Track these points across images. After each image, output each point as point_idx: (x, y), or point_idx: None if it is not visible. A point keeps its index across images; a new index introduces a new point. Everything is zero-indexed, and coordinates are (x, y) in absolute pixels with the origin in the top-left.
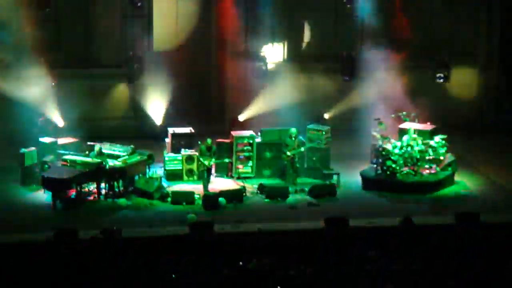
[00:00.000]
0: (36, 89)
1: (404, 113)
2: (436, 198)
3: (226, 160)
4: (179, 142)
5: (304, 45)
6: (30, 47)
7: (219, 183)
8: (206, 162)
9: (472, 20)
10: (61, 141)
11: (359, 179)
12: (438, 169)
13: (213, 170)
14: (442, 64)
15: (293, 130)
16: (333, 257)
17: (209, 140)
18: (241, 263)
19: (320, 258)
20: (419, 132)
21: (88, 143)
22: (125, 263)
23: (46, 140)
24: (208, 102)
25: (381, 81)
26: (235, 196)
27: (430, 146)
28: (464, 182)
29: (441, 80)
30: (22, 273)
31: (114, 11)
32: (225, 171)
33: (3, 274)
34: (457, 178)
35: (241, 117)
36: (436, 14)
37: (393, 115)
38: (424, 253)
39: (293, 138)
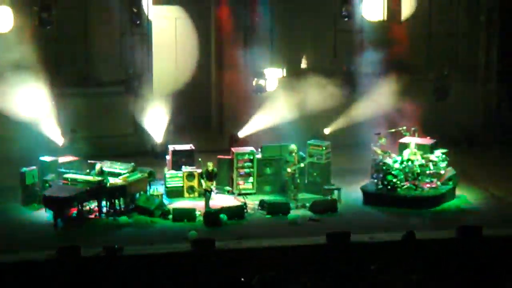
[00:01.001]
0: (36, 107)
1: (404, 127)
2: (437, 212)
3: (226, 188)
4: (180, 159)
5: (303, 60)
6: (31, 65)
7: (220, 200)
8: (206, 185)
9: (471, 34)
10: (62, 159)
11: (360, 194)
12: (439, 183)
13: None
14: (441, 81)
15: (293, 146)
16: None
17: (210, 164)
18: (243, 279)
19: (322, 272)
20: (419, 147)
21: (89, 161)
22: (127, 280)
23: (47, 158)
24: (208, 119)
25: (380, 96)
26: (236, 212)
27: (431, 160)
28: (465, 196)
29: (440, 97)
30: None
31: (114, 29)
32: (226, 185)
33: None
34: (458, 192)
35: (241, 134)
36: (435, 29)
37: (393, 130)
38: (425, 267)
39: (293, 154)
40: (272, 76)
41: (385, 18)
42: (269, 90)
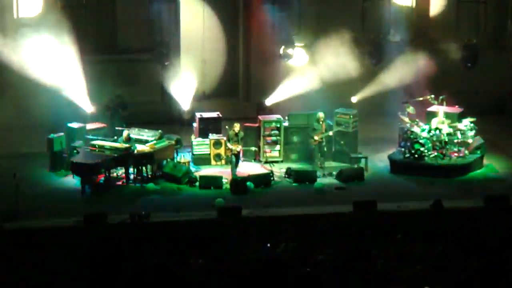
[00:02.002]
0: (64, 74)
1: (432, 96)
2: (465, 181)
3: (252, 148)
4: (207, 126)
5: (331, 28)
6: (59, 32)
7: (246, 168)
8: (233, 148)
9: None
10: (90, 126)
11: (387, 162)
12: (466, 152)
13: (241, 155)
14: (469, 49)
15: (320, 114)
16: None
17: (237, 126)
18: (268, 245)
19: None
20: (447, 115)
21: (116, 128)
22: (154, 247)
23: (74, 125)
24: (235, 86)
25: (408, 64)
26: (263, 180)
27: (459, 129)
28: (493, 165)
29: (469, 65)
30: (53, 258)
31: None
32: (253, 155)
33: (35, 258)
34: (486, 161)
35: (268, 102)
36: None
37: (420, 98)
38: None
39: (321, 122)
40: (300, 43)
41: None
42: (297, 58)
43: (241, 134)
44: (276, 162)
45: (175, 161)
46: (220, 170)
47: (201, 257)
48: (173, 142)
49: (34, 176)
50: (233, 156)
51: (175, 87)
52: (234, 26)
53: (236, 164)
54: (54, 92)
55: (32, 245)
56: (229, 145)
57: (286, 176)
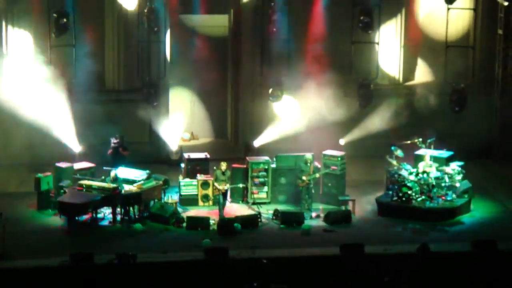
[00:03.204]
0: (53, 114)
1: (420, 139)
2: (452, 225)
3: (240, 185)
4: (195, 167)
5: (320, 70)
6: (48, 71)
7: (234, 209)
8: (220, 187)
9: (488, 47)
10: (77, 165)
11: (374, 205)
12: (454, 196)
13: (228, 196)
14: (457, 93)
15: (308, 155)
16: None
17: (223, 164)
18: (255, 284)
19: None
20: (435, 159)
21: (104, 168)
22: None
23: (62, 164)
24: (223, 127)
25: (396, 107)
26: (251, 221)
27: (446, 173)
28: (481, 209)
29: (457, 109)
30: None
31: (130, 37)
32: (241, 196)
33: None
34: (473, 205)
35: (256, 143)
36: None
37: (408, 142)
38: (440, 280)
39: (308, 164)
40: (288, 86)
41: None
42: (285, 100)
43: (228, 173)
44: (264, 203)
45: (163, 201)
46: (207, 211)
47: None
48: (160, 182)
49: (21, 215)
50: (220, 196)
51: (163, 127)
52: (224, 66)
53: (223, 204)
54: (41, 131)
55: (18, 285)
56: (216, 184)
57: (274, 218)
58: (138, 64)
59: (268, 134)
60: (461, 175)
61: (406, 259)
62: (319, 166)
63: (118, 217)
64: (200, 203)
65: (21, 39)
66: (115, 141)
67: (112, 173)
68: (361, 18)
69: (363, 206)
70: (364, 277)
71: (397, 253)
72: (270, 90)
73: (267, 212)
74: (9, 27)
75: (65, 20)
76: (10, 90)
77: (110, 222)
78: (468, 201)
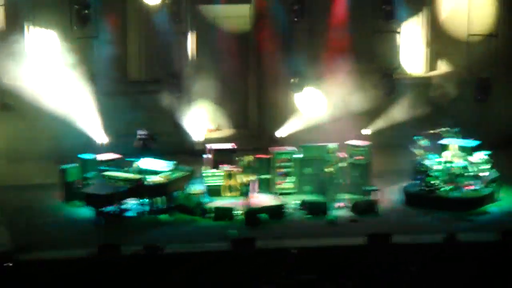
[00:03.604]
0: (76, 106)
1: (446, 128)
2: (480, 215)
3: (264, 176)
4: (220, 157)
5: (343, 60)
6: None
7: (260, 199)
8: (244, 179)
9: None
10: (102, 157)
11: (401, 195)
12: (481, 185)
13: (256, 186)
14: (481, 82)
15: (332, 145)
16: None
17: (248, 157)
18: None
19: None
20: (461, 148)
21: (128, 159)
22: (168, 279)
23: (87, 156)
24: (247, 117)
25: (420, 96)
26: (276, 212)
27: (473, 162)
28: (509, 199)
29: (481, 98)
30: None
31: (154, 28)
32: (267, 187)
33: None
34: (501, 194)
35: (280, 134)
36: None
37: (434, 131)
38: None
39: (332, 154)
40: (310, 75)
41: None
42: (307, 90)
43: (254, 163)
44: (290, 194)
45: (188, 192)
46: (233, 202)
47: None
48: (187, 173)
49: (47, 207)
50: (246, 188)
51: (186, 118)
52: (246, 57)
53: (248, 193)
54: (65, 122)
55: (46, 276)
56: (242, 176)
57: (301, 208)
58: (161, 55)
59: (291, 124)
60: (489, 164)
61: (433, 249)
62: (344, 156)
63: (146, 208)
64: (225, 193)
65: (43, 31)
66: (142, 133)
67: (135, 164)
68: (383, 6)
69: (388, 196)
70: (391, 266)
71: (424, 243)
72: (292, 80)
73: (293, 202)
74: (31, 19)
75: (86, 11)
76: (34, 82)
77: (136, 213)
78: (495, 190)
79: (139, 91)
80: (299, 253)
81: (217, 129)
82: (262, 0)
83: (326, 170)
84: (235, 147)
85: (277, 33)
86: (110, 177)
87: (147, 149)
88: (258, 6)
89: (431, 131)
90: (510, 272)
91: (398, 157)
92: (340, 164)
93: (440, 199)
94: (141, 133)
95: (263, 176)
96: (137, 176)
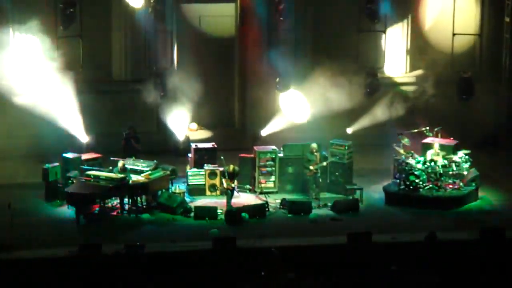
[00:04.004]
0: (59, 104)
1: (427, 127)
2: (459, 214)
3: (247, 186)
4: (202, 157)
5: (327, 59)
6: (55, 62)
7: (242, 198)
8: (227, 185)
9: (495, 35)
10: (85, 156)
11: (382, 194)
12: (461, 184)
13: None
14: (464, 81)
15: (314, 144)
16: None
17: (231, 166)
18: (263, 273)
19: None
20: (442, 147)
21: (111, 158)
22: (149, 278)
23: (69, 155)
24: (231, 117)
25: (403, 96)
26: (258, 211)
27: (453, 161)
28: (488, 198)
29: (464, 97)
30: None
31: (138, 26)
32: (247, 184)
33: None
34: (481, 193)
35: (263, 133)
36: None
37: (416, 130)
38: (447, 269)
39: (315, 153)
40: (295, 75)
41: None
42: (292, 89)
43: (237, 170)
44: (271, 193)
45: (170, 191)
46: (215, 201)
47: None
48: (168, 172)
49: (29, 206)
50: (228, 190)
51: (170, 118)
52: (231, 55)
53: (231, 195)
54: (48, 121)
55: (26, 276)
56: (224, 181)
57: (281, 207)
58: (145, 54)
59: (275, 123)
60: (469, 164)
61: (413, 247)
62: (326, 154)
63: (126, 208)
64: (208, 192)
65: (27, 30)
66: (126, 131)
67: (120, 163)
68: (368, 6)
69: (370, 194)
70: (372, 265)
71: (405, 242)
72: (277, 80)
73: (274, 201)
74: (16, 17)
75: (71, 10)
76: (17, 81)
77: (118, 213)
78: (475, 189)
79: (122, 90)
80: (279, 252)
81: (200, 128)
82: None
83: (308, 169)
84: (216, 146)
85: (261, 32)
86: (93, 176)
87: (130, 148)
88: (243, 5)
89: (413, 130)
90: (488, 270)
91: (380, 156)
92: (324, 163)
93: (421, 198)
94: (125, 132)
95: (245, 186)
96: (120, 176)
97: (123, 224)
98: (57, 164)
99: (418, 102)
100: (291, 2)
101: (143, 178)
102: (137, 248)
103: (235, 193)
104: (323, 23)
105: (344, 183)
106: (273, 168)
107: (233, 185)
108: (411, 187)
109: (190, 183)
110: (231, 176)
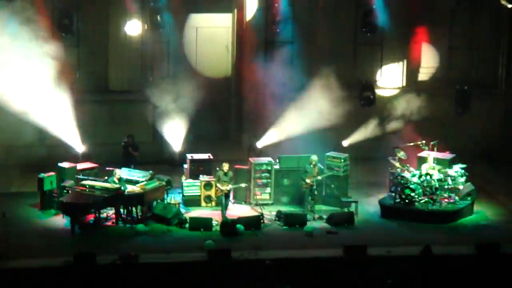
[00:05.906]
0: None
1: (423, 141)
2: (455, 228)
3: (243, 185)
4: (198, 168)
5: (324, 71)
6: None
7: (237, 210)
8: (223, 188)
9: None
10: (80, 166)
11: (377, 207)
12: (457, 198)
13: (231, 197)
14: (460, 95)
15: (315, 157)
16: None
17: (225, 165)
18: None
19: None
20: (439, 161)
21: (107, 168)
22: None
23: (65, 165)
24: (227, 128)
25: (399, 109)
26: (253, 223)
27: (449, 175)
28: (484, 212)
29: (460, 111)
30: None
31: (134, 37)
32: (244, 197)
33: None
34: (476, 207)
35: (259, 144)
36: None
37: (412, 144)
38: (443, 283)
39: (313, 165)
40: (292, 86)
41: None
42: (289, 101)
43: (230, 173)
44: (267, 204)
45: (165, 202)
46: (210, 212)
47: None
48: (163, 183)
49: (23, 215)
50: (223, 197)
51: (166, 128)
52: (227, 67)
53: (226, 205)
54: (44, 131)
55: (21, 285)
56: (218, 185)
57: (277, 219)
58: (142, 64)
59: (271, 135)
60: (464, 178)
61: (409, 261)
62: (322, 167)
63: (121, 218)
64: (203, 203)
65: (24, 39)
66: (124, 140)
67: (116, 174)
68: (364, 18)
69: (365, 208)
70: (367, 279)
71: (400, 255)
72: (274, 91)
73: (270, 213)
74: (13, 26)
75: (68, 19)
76: (13, 90)
77: (112, 223)
78: (471, 203)
79: (119, 100)
80: (273, 264)
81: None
82: (243, 10)
83: (304, 181)
84: (212, 157)
85: (258, 43)
86: (88, 186)
87: (128, 157)
88: (239, 17)
89: (409, 144)
90: (484, 285)
91: (376, 169)
92: (319, 176)
93: (417, 212)
94: (124, 140)
95: (240, 185)
96: (116, 186)
97: (118, 234)
98: (52, 173)
99: (414, 115)
100: (288, 14)
101: (138, 189)
102: (131, 259)
103: (230, 204)
104: (319, 35)
105: (340, 196)
106: (269, 180)
107: (228, 188)
108: (407, 201)
109: (185, 194)
110: (226, 176)
